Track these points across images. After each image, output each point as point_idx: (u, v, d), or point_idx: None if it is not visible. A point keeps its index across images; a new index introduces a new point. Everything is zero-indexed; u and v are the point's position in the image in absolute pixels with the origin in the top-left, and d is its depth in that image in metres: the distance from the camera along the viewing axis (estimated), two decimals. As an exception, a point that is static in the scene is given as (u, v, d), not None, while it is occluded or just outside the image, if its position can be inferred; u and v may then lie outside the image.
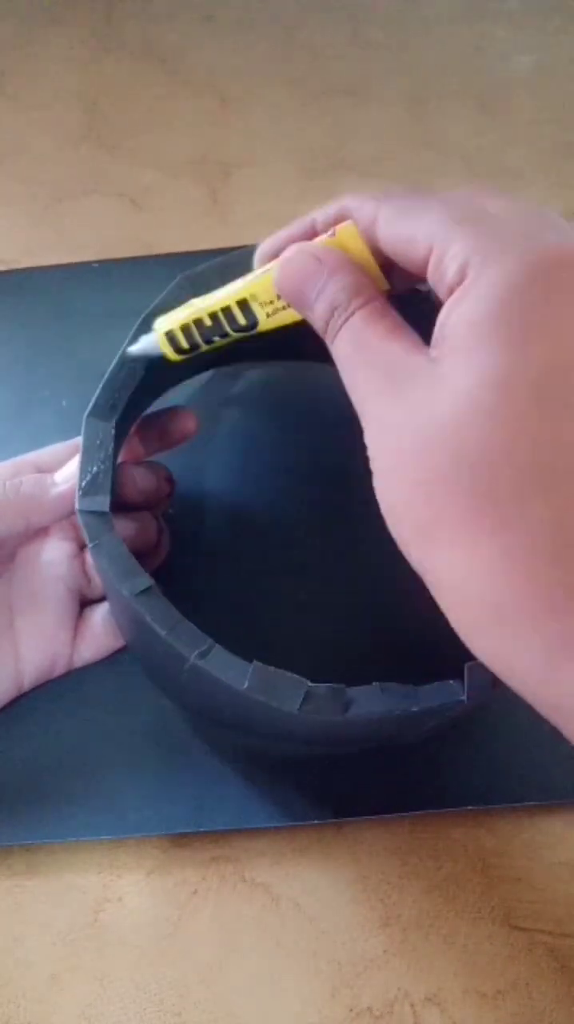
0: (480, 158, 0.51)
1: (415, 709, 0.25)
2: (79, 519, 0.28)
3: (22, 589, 0.32)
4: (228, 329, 0.26)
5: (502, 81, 0.54)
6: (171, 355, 0.28)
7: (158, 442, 0.34)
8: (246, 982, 0.31)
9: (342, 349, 0.22)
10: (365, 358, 0.21)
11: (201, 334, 0.27)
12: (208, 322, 0.27)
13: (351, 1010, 0.30)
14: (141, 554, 0.33)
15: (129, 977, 0.31)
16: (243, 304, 0.26)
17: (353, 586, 0.37)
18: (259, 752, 0.33)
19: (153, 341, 0.28)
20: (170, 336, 0.28)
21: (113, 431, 0.29)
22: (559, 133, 0.52)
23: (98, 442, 0.29)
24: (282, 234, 0.26)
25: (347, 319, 0.22)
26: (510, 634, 0.18)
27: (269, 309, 0.25)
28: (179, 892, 0.32)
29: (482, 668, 0.25)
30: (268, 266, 0.25)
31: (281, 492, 0.39)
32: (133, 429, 0.34)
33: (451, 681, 0.25)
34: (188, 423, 0.34)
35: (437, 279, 0.20)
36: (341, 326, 0.22)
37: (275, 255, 0.26)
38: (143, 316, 0.30)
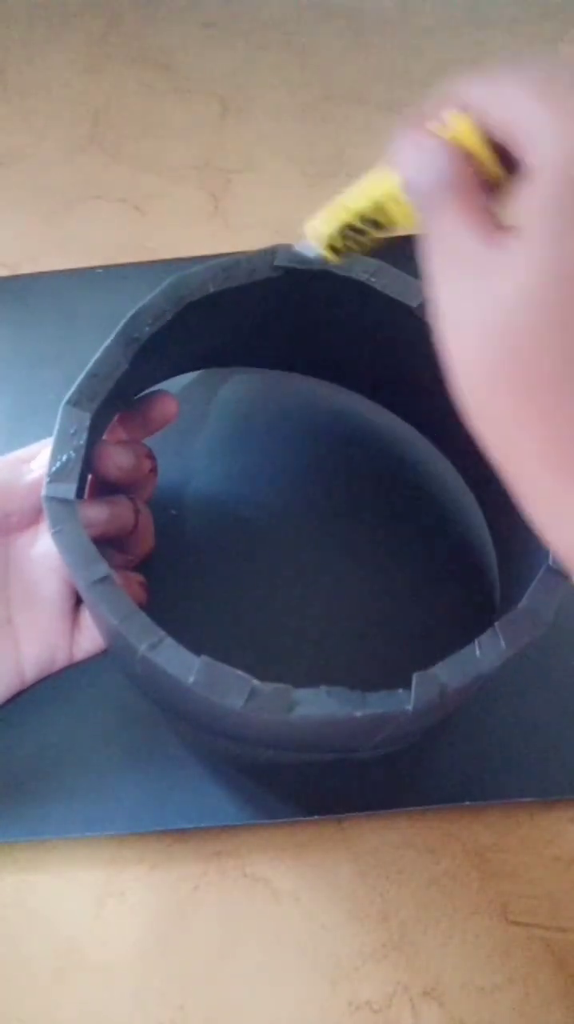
0: (479, 163, 0.51)
1: (359, 715, 0.25)
2: (44, 505, 0.28)
3: (18, 583, 0.33)
4: (370, 230, 0.27)
5: (500, 87, 0.54)
6: (331, 257, 0.28)
7: (141, 428, 0.35)
8: (247, 975, 0.31)
9: (428, 233, 0.22)
10: (442, 244, 0.21)
11: (350, 238, 0.27)
12: (356, 224, 0.27)
13: (350, 1003, 0.31)
14: (118, 541, 0.33)
15: (131, 971, 0.31)
16: (378, 208, 0.26)
17: (338, 590, 0.37)
18: (220, 749, 0.33)
19: (313, 247, 0.28)
20: (325, 241, 0.28)
21: (89, 421, 0.29)
22: (557, 138, 0.52)
23: (72, 431, 0.29)
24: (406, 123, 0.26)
25: (436, 206, 0.22)
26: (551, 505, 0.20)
27: (403, 209, 0.25)
28: (181, 887, 0.32)
29: (430, 679, 0.25)
30: (386, 168, 0.25)
31: (263, 493, 0.39)
32: (116, 418, 0.34)
33: (400, 690, 0.25)
34: (168, 406, 0.34)
35: (519, 159, 0.20)
36: (430, 213, 0.22)
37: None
38: (128, 317, 0.30)
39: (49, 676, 0.34)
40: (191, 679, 0.25)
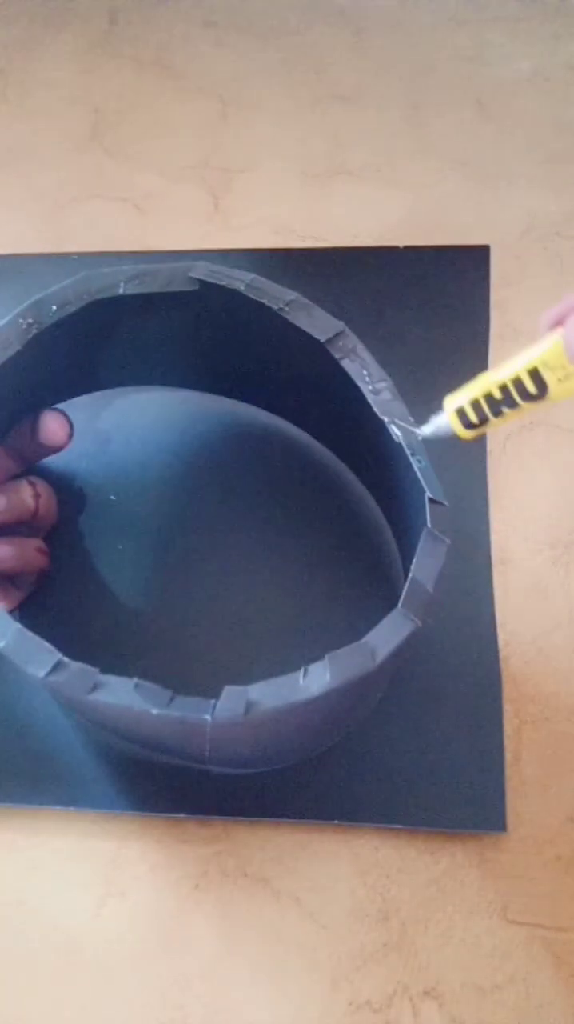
0: (478, 163, 0.51)
1: (155, 712, 0.25)
2: None
3: None
4: (518, 399, 0.26)
5: (500, 86, 0.54)
6: (462, 432, 0.28)
7: (30, 451, 0.35)
8: (247, 976, 0.31)
9: None
10: None
11: (491, 407, 0.27)
12: (498, 394, 0.27)
13: (351, 1003, 0.31)
14: (20, 524, 0.34)
15: (131, 971, 0.31)
16: (534, 373, 0.26)
17: (255, 584, 0.37)
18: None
19: (444, 421, 0.28)
20: (461, 412, 0.28)
21: None
22: (557, 138, 0.52)
23: None
24: (569, 300, 0.26)
25: None
26: None
27: (560, 375, 0.25)
28: (181, 886, 0.32)
29: (238, 695, 0.25)
30: (555, 334, 0.25)
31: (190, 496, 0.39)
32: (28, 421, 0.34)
33: (213, 700, 0.25)
34: (57, 425, 0.34)
35: None
36: None
37: (561, 321, 0.25)
38: (30, 301, 0.30)
39: None
40: (1, 643, 0.26)
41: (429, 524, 0.28)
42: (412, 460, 0.29)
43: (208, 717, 0.25)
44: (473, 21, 0.58)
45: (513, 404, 0.27)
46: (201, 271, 0.32)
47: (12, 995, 0.31)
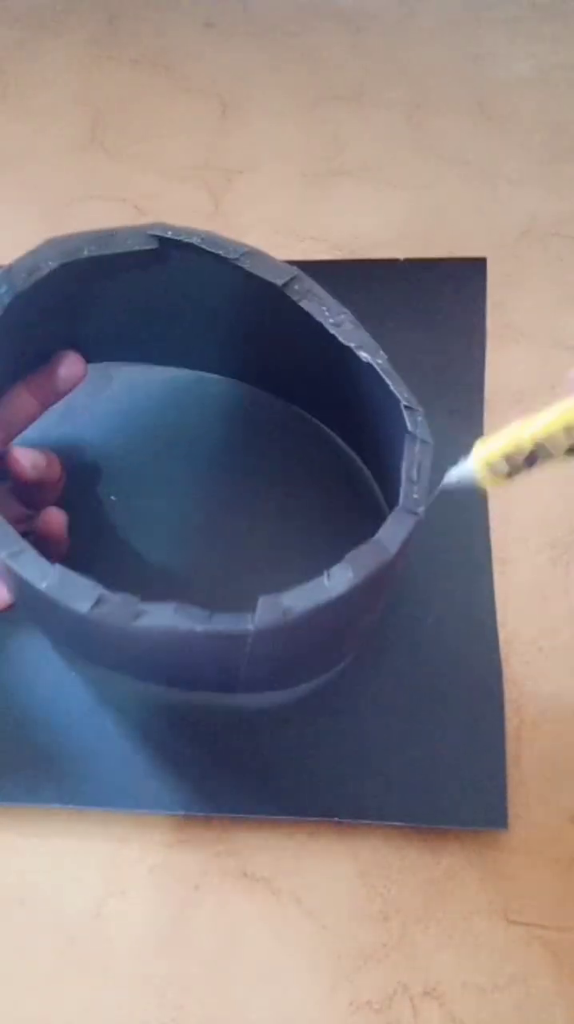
0: (478, 163, 0.51)
1: (199, 629, 0.26)
2: None
3: None
4: (553, 452, 0.26)
5: (500, 87, 0.54)
6: (490, 482, 0.27)
7: (50, 391, 0.35)
8: (247, 976, 0.31)
9: None
10: None
11: (524, 459, 0.26)
12: (531, 448, 0.26)
13: (351, 1003, 0.31)
14: (38, 489, 0.35)
15: (131, 971, 0.31)
16: (571, 429, 0.25)
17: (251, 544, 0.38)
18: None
19: (470, 470, 0.27)
20: (489, 463, 0.27)
21: None
22: (556, 138, 0.52)
23: None
24: None
25: None
26: None
27: None
28: (181, 886, 0.32)
29: (274, 602, 0.26)
30: None
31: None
32: (23, 383, 0.35)
33: (247, 613, 0.26)
34: (75, 364, 0.35)
35: None
36: None
37: None
38: (2, 270, 0.31)
39: None
40: (44, 584, 0.26)
41: (409, 428, 0.30)
42: (383, 376, 0.31)
43: (251, 627, 0.26)
44: (473, 22, 0.58)
45: (547, 456, 0.26)
46: (158, 229, 0.33)
47: (12, 995, 0.31)
